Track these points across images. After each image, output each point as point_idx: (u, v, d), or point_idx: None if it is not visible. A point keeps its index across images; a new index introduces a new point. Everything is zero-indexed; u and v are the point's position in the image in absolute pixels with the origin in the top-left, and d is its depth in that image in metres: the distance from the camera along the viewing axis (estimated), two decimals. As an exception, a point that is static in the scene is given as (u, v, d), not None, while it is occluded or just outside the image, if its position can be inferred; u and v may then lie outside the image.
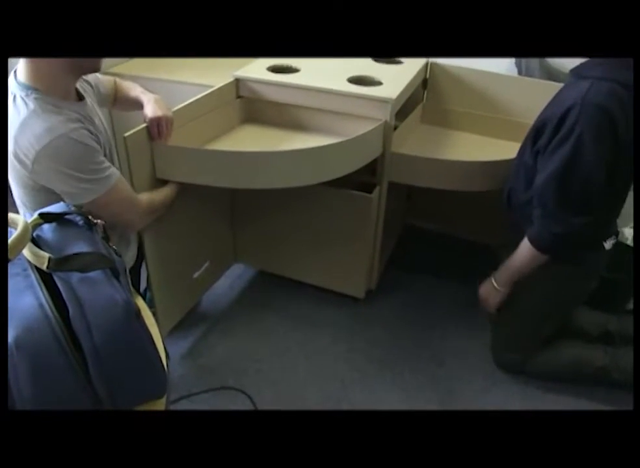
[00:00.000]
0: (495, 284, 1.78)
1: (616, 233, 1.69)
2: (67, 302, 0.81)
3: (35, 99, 1.29)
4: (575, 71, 1.54)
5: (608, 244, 1.65)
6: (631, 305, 2.06)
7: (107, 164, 1.40)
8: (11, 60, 1.26)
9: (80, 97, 1.43)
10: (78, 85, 1.45)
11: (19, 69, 1.32)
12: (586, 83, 1.43)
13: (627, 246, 2.07)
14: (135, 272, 1.78)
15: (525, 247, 1.63)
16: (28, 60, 1.29)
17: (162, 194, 1.65)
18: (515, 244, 1.69)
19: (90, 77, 1.58)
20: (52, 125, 1.27)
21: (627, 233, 2.13)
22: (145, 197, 1.56)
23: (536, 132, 1.58)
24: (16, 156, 1.29)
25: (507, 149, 1.89)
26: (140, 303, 1.06)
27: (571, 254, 1.63)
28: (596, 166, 1.43)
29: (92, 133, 1.38)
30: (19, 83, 1.31)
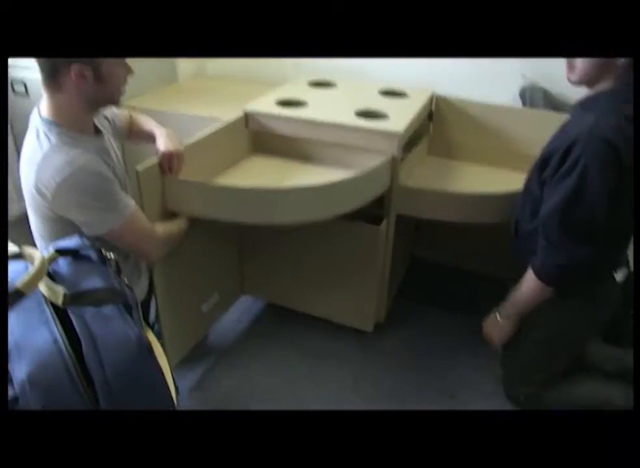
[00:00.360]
0: (499, 318, 1.75)
1: (627, 264, 1.68)
2: (81, 337, 0.82)
3: (56, 133, 1.35)
4: (581, 104, 1.55)
5: (619, 276, 1.64)
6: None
7: (124, 195, 1.43)
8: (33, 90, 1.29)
9: (97, 131, 1.48)
10: (96, 120, 1.50)
11: (42, 105, 1.39)
12: (592, 116, 1.44)
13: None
14: (145, 304, 1.79)
15: (529, 279, 1.62)
16: (50, 96, 1.36)
17: (176, 226, 1.68)
18: (523, 275, 1.68)
19: (107, 112, 1.62)
20: (72, 157, 1.32)
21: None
22: (160, 228, 1.59)
23: (543, 163, 1.59)
24: (37, 189, 1.33)
25: (513, 180, 1.90)
26: (151, 336, 1.07)
27: (578, 286, 1.62)
28: (601, 198, 1.43)
29: (108, 165, 1.42)
30: (42, 118, 1.37)
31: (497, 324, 1.76)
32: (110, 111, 1.64)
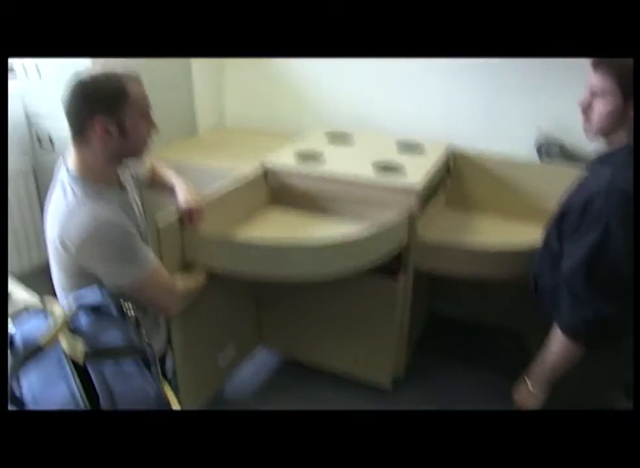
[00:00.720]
0: (530, 387, 1.68)
1: None
2: (99, 393, 0.82)
3: (81, 187, 1.38)
4: (599, 157, 1.56)
5: None
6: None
7: (146, 249, 1.45)
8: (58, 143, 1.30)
9: (121, 186, 1.51)
10: (120, 174, 1.53)
11: (69, 158, 1.42)
12: (609, 169, 1.44)
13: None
14: (163, 357, 1.78)
15: (557, 339, 1.57)
16: (77, 150, 1.39)
17: (195, 281, 1.68)
18: (543, 330, 1.64)
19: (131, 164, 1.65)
20: (97, 212, 1.35)
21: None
22: (180, 283, 1.59)
23: (561, 217, 1.58)
24: (62, 242, 1.36)
25: (530, 233, 1.90)
26: (168, 390, 1.07)
27: (608, 342, 1.58)
28: (625, 250, 1.42)
29: (130, 219, 1.44)
30: (68, 172, 1.40)
31: (529, 393, 1.68)
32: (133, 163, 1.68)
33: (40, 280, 1.65)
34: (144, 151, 1.49)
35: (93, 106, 1.34)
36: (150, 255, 1.45)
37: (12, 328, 0.91)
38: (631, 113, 1.41)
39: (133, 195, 1.58)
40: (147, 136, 1.46)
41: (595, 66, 1.41)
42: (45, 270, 1.54)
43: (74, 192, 1.37)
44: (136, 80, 1.40)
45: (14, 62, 2.47)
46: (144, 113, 1.42)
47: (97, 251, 1.35)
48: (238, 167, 2.18)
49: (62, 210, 1.36)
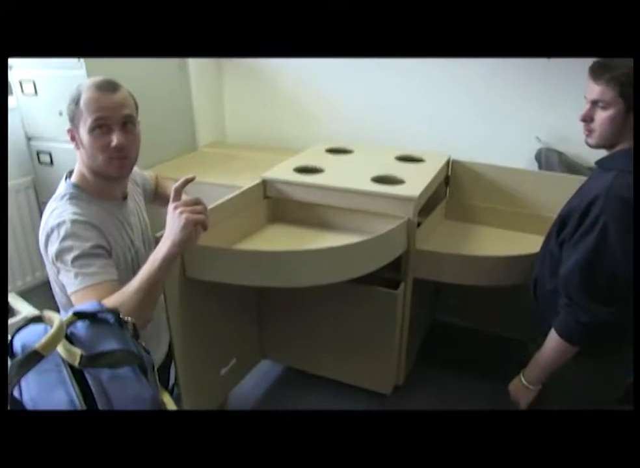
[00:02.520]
0: (525, 382, 1.72)
1: None
2: (97, 398, 0.83)
3: (73, 191, 1.39)
4: (599, 163, 1.57)
5: None
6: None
7: (101, 266, 1.34)
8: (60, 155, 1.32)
9: (122, 200, 1.51)
10: (125, 188, 1.53)
11: (73, 174, 1.43)
12: (611, 175, 1.46)
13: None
14: (165, 368, 1.78)
15: (552, 339, 1.60)
16: (78, 167, 1.41)
17: (138, 282, 1.33)
18: (543, 336, 1.66)
19: (137, 177, 1.65)
20: (69, 210, 1.35)
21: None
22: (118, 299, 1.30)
23: (561, 222, 1.59)
24: (42, 246, 1.37)
25: (530, 243, 1.91)
26: (167, 399, 1.07)
27: (601, 345, 1.59)
28: (622, 256, 1.43)
29: (120, 233, 1.45)
30: (66, 180, 1.43)
31: (523, 387, 1.72)
32: (141, 176, 1.68)
33: (43, 296, 1.65)
34: (108, 170, 1.39)
35: (69, 116, 1.36)
36: (100, 270, 1.33)
37: (12, 338, 0.92)
38: (632, 121, 1.42)
39: (136, 208, 1.58)
40: (110, 150, 1.36)
41: (596, 78, 1.43)
42: (48, 286, 1.54)
43: (61, 196, 1.38)
44: (101, 87, 1.33)
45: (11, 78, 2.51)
46: (97, 123, 1.33)
47: (50, 245, 1.34)
48: (238, 182, 2.19)
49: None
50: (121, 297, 1.28)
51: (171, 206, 1.33)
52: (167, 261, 1.30)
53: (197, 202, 1.36)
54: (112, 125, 1.34)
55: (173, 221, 1.31)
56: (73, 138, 1.37)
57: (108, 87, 1.34)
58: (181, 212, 1.30)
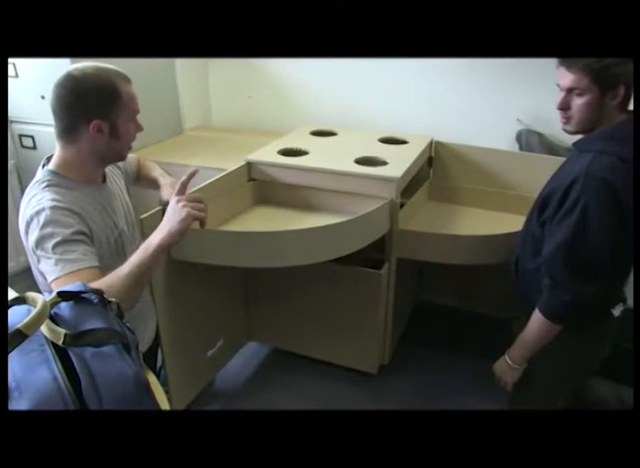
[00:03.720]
0: (509, 361, 1.74)
1: (624, 300, 1.69)
2: (80, 376, 0.84)
3: (52, 178, 1.37)
4: (577, 145, 1.59)
5: (617, 311, 1.65)
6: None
7: (81, 250, 1.33)
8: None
9: (103, 183, 1.50)
10: (107, 171, 1.53)
11: (52, 159, 1.41)
12: (589, 156, 1.48)
13: (638, 313, 2.06)
14: (153, 351, 1.79)
15: (536, 319, 1.62)
16: (62, 148, 1.39)
17: (129, 267, 1.33)
18: (526, 314, 1.68)
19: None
20: (50, 197, 1.33)
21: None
22: (107, 282, 1.31)
23: (542, 203, 1.61)
24: (22, 236, 1.36)
25: (512, 223, 1.93)
26: (152, 378, 1.09)
27: (582, 322, 1.62)
28: (602, 236, 1.45)
29: (102, 217, 1.44)
30: (43, 170, 1.40)
31: (508, 367, 1.75)
32: None
33: (27, 282, 1.64)
34: (127, 153, 1.49)
35: (87, 105, 1.33)
36: (82, 256, 1.32)
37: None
38: (611, 103, 1.44)
39: (117, 191, 1.58)
40: (133, 138, 1.46)
41: (569, 66, 1.45)
42: (30, 272, 1.51)
43: (39, 182, 1.37)
44: (127, 79, 1.39)
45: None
46: (134, 114, 1.42)
47: (30, 234, 1.33)
48: (224, 165, 2.19)
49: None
50: (110, 280, 1.30)
51: (175, 198, 1.40)
52: (160, 249, 1.35)
53: (199, 200, 1.43)
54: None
55: (174, 212, 1.38)
56: (100, 130, 1.35)
57: (129, 79, 1.41)
58: (184, 206, 1.37)
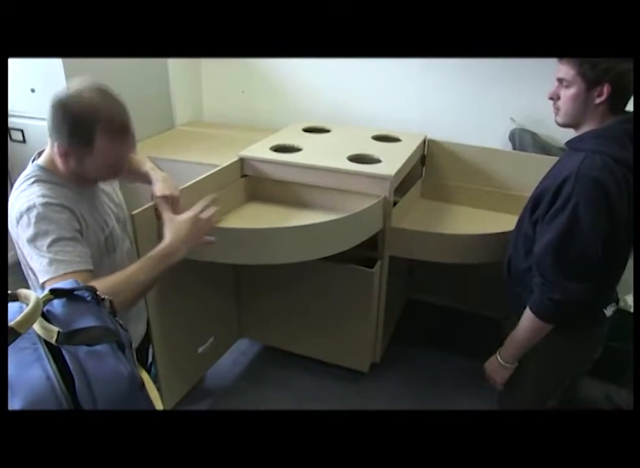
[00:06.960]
0: (500, 360, 1.75)
1: (617, 300, 1.70)
2: (74, 374, 0.82)
3: (41, 173, 1.35)
4: (569, 144, 1.59)
5: (609, 311, 1.65)
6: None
7: (77, 251, 1.32)
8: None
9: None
10: None
11: (42, 155, 1.39)
12: (581, 156, 1.48)
13: (630, 313, 2.07)
14: (144, 348, 1.78)
15: (527, 318, 1.63)
16: (51, 146, 1.35)
17: (143, 276, 1.34)
18: (517, 314, 1.69)
19: None
20: (40, 192, 1.32)
21: (630, 300, 2.14)
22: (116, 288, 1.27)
23: (534, 202, 1.61)
24: (11, 232, 1.34)
25: (505, 222, 1.94)
26: (145, 376, 1.08)
27: (573, 322, 1.63)
28: (593, 235, 1.45)
29: (93, 215, 1.42)
30: (33, 165, 1.37)
31: (499, 366, 1.75)
32: None
33: (16, 276, 1.62)
34: (116, 173, 1.43)
35: (59, 129, 1.30)
36: (76, 258, 1.31)
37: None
38: (597, 101, 1.45)
39: (112, 189, 1.56)
40: (117, 160, 1.39)
41: (560, 58, 1.46)
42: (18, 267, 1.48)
43: (28, 177, 1.34)
44: (112, 99, 1.34)
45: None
46: (115, 138, 1.34)
47: (21, 231, 1.31)
48: (216, 161, 2.18)
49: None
50: (119, 286, 1.28)
51: (194, 214, 1.47)
52: (177, 262, 1.41)
53: (213, 221, 1.53)
54: None
55: (197, 229, 1.46)
56: (65, 155, 1.32)
57: (116, 99, 1.37)
58: (204, 225, 1.47)
